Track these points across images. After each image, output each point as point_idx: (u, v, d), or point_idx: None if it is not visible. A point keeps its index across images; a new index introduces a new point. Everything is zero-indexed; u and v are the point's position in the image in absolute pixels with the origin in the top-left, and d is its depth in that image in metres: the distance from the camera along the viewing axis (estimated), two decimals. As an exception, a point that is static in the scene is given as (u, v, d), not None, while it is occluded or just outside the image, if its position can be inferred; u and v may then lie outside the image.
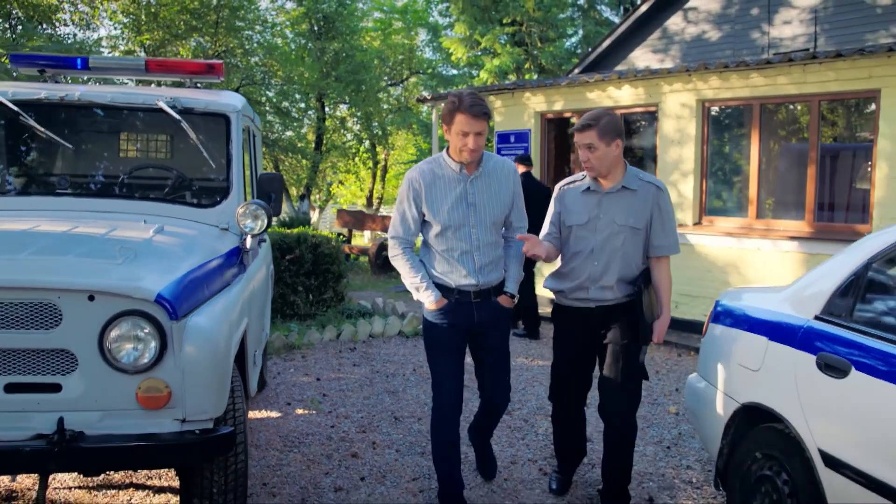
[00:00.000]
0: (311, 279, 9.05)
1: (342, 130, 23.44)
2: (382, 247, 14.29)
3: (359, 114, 22.20)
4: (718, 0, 11.88)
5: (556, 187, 4.02)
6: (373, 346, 8.03)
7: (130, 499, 4.06)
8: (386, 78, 24.28)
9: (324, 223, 28.69)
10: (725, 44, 11.84)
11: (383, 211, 27.93)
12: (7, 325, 2.92)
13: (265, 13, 14.30)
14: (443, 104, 12.71)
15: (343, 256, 9.75)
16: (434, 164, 3.74)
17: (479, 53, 16.50)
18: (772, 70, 8.08)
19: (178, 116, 4.30)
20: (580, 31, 18.79)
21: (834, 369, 2.93)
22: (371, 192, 27.81)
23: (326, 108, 21.68)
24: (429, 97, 12.05)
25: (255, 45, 13.10)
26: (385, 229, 15.14)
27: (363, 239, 20.74)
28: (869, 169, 7.71)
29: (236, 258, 4.06)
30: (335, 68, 18.40)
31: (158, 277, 3.10)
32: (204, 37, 13.20)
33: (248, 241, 4.13)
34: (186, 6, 11.79)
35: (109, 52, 13.74)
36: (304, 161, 18.25)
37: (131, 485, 4.24)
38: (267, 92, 15.91)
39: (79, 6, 12.59)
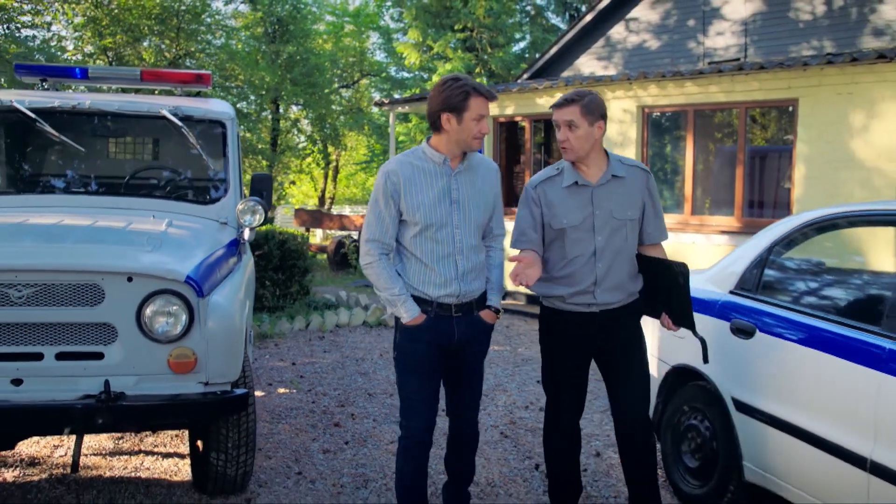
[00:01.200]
0: (279, 274, 9.57)
1: (295, 132, 23.86)
2: (340, 244, 14.82)
3: (310, 115, 22.64)
4: (658, 12, 12.70)
5: (529, 187, 3.54)
6: (340, 335, 8.60)
7: (142, 462, 4.59)
8: (336, 80, 24.75)
9: (275, 222, 29.03)
10: (664, 52, 12.66)
11: (334, 210, 28.40)
12: (57, 303, 3.45)
13: (224, 18, 14.72)
14: (400, 107, 13.18)
15: (308, 252, 10.30)
16: (412, 157, 3.39)
17: (433, 58, 17.12)
18: (704, 80, 8.88)
19: (180, 123, 4.83)
20: (528, 37, 19.56)
21: (743, 332, 3.64)
22: (323, 192, 28.26)
23: (280, 110, 22.09)
24: (386, 101, 12.64)
25: (215, 49, 13.51)
26: (342, 228, 15.66)
27: (315, 238, 21.22)
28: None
29: (235, 248, 4.61)
30: (290, 71, 18.87)
31: (184, 262, 3.66)
32: (164, 40, 13.55)
33: (247, 234, 4.69)
34: (150, 12, 12.18)
35: (65, 55, 14.00)
36: (263, 162, 18.70)
37: (140, 451, 4.77)
38: (220, 93, 16.24)
39: (38, 9, 12.86)
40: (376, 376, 6.77)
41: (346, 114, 24.34)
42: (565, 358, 3.56)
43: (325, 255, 15.99)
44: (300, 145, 23.93)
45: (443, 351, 3.42)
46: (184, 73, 5.68)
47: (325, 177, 28.21)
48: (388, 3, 21.85)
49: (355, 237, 15.40)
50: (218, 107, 5.16)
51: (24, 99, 4.79)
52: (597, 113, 3.38)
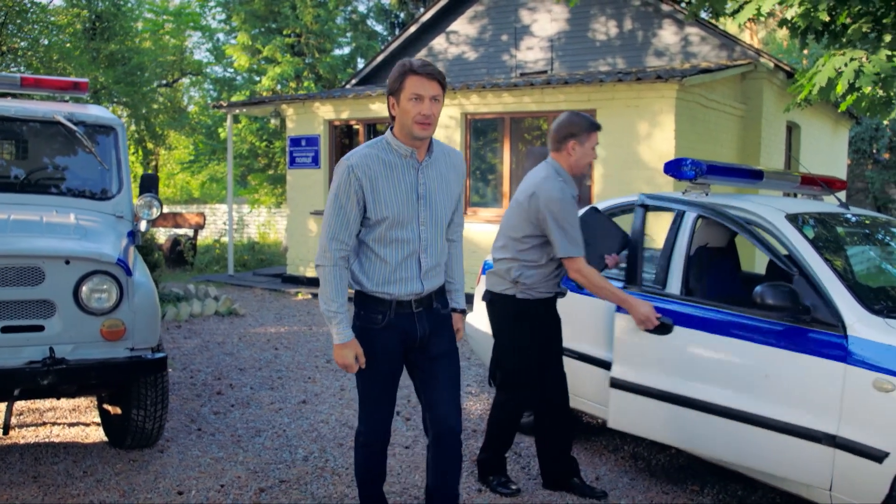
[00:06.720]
0: (129, 269, 9.96)
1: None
2: (176, 242, 15.10)
3: (127, 114, 22.35)
4: (475, 26, 14.03)
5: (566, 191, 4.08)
6: (195, 324, 9.20)
7: (51, 431, 5.16)
8: (156, 78, 24.50)
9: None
10: (481, 63, 14.02)
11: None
12: (3, 284, 4.06)
13: (47, 15, 14.49)
14: (238, 111, 13.68)
15: (156, 248, 10.73)
16: (378, 149, 3.14)
17: (262, 62, 17.65)
18: (518, 91, 10.23)
19: (74, 128, 5.40)
20: (352, 43, 20.46)
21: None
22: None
23: (99, 108, 21.68)
24: (224, 104, 13.17)
25: (43, 47, 13.38)
26: (176, 226, 15.90)
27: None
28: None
29: (133, 239, 5.27)
30: (113, 69, 18.71)
31: (110, 248, 4.35)
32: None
33: (143, 225, 5.36)
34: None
35: None
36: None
37: (44, 423, 5.32)
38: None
39: None
40: (241, 355, 7.51)
41: (166, 112, 24.16)
42: (535, 335, 4.17)
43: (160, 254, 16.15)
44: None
45: (407, 350, 3.28)
46: (62, 80, 6.20)
47: (144, 173, 27.72)
48: (212, 3, 22.01)
49: (190, 235, 15.72)
50: (106, 113, 5.75)
51: (-77, 104, 5.20)
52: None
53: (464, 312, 3.50)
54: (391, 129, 3.16)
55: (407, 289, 3.18)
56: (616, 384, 4.25)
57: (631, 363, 4.20)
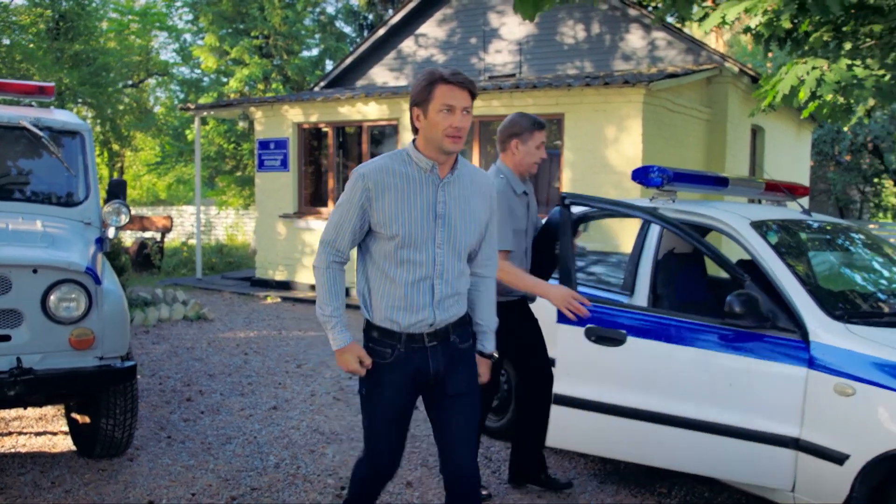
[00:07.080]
0: (96, 273, 9.85)
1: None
2: (143, 245, 14.95)
3: (92, 115, 22.11)
4: (444, 29, 14.07)
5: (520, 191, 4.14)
6: (164, 329, 9.13)
7: (17, 441, 5.10)
8: (121, 79, 24.25)
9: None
10: (450, 66, 14.03)
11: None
12: (-32, 294, 4.02)
13: (10, 16, 14.25)
14: (206, 113, 13.59)
15: (123, 252, 10.63)
16: (394, 160, 2.89)
17: (230, 63, 17.53)
18: (487, 95, 10.29)
19: (41, 133, 5.34)
20: (320, 44, 20.40)
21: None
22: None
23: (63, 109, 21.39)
24: (192, 106, 13.08)
25: (5, 47, 13.17)
26: (143, 229, 15.74)
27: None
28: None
29: (101, 246, 5.23)
30: (78, 70, 18.50)
31: (79, 256, 4.32)
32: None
33: (112, 232, 5.32)
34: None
35: None
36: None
37: (10, 433, 5.26)
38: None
39: None
40: (210, 360, 7.47)
41: (132, 113, 23.93)
42: (506, 341, 3.96)
43: (127, 257, 15.97)
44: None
45: (418, 387, 2.99)
46: (26, 84, 6.12)
47: (111, 178, 27.45)
48: (178, 4, 21.83)
49: (157, 238, 15.58)
50: (73, 118, 5.69)
51: None
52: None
53: (490, 357, 3.15)
54: (414, 141, 2.91)
55: (417, 317, 2.87)
56: (560, 400, 4.09)
57: (577, 377, 4.07)
